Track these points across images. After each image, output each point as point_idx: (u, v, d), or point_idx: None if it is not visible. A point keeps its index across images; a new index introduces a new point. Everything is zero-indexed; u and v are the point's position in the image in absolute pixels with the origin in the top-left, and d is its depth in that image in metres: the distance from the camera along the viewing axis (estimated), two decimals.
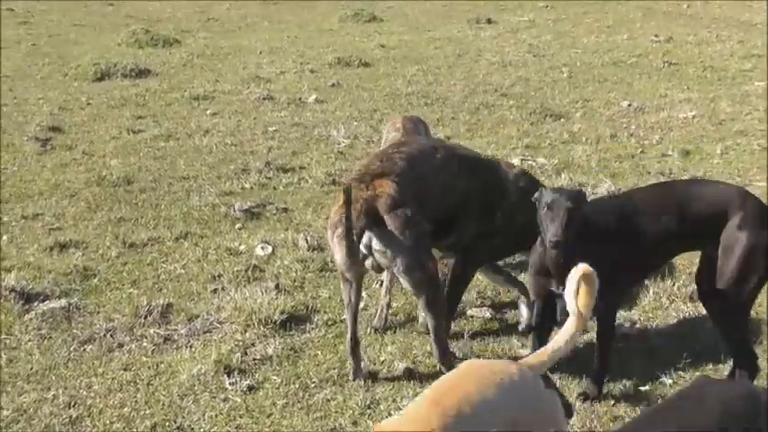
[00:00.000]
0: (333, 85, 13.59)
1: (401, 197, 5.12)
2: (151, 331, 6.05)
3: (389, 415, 5.06)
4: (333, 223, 5.20)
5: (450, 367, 4.89)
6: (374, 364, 5.66)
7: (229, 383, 5.43)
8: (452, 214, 5.54)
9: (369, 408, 5.19)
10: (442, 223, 5.49)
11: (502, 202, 5.61)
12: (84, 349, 5.86)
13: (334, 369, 5.60)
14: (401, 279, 5.27)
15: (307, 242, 7.41)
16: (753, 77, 14.10)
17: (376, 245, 5.08)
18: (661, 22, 19.58)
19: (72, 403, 5.25)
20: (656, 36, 17.83)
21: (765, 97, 12.79)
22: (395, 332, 6.09)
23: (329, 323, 6.20)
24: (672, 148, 10.20)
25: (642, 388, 5.40)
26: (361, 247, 5.08)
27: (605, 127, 11.21)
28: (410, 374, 5.52)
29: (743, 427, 3.44)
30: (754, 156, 9.77)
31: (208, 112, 11.99)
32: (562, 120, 11.58)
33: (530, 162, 9.43)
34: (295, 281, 6.83)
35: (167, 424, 5.06)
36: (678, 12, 21.59)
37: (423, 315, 5.72)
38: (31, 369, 5.62)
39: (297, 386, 5.43)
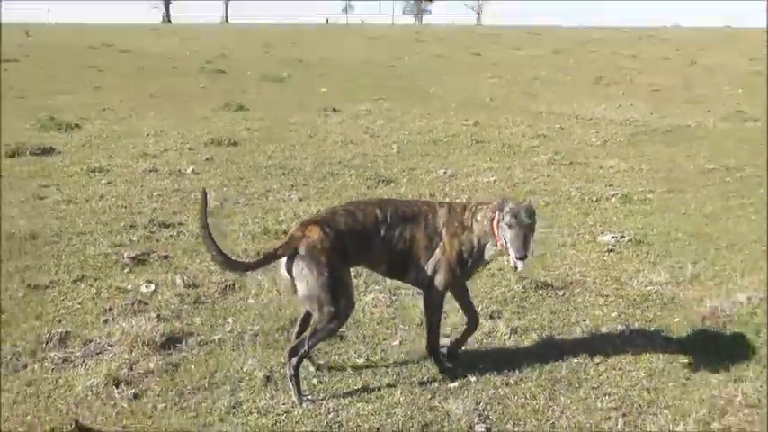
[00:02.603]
0: (207, 159, 13.56)
1: (323, 244, 5.12)
2: (51, 354, 5.91)
3: (250, 413, 5.13)
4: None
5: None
6: (237, 374, 5.68)
7: (117, 393, 5.37)
8: (404, 258, 5.47)
9: (233, 408, 5.23)
10: (396, 264, 5.51)
11: (442, 239, 5.47)
12: None
13: (205, 379, 5.61)
14: (302, 303, 5.33)
15: (183, 281, 7.39)
16: (539, 151, 14.74)
17: (291, 273, 5.14)
18: (470, 111, 20.26)
19: None
20: (466, 121, 18.46)
21: (548, 165, 13.40)
22: (254, 346, 6.14)
23: (201, 343, 6.19)
24: None
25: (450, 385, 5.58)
26: (283, 270, 5.16)
27: (426, 189, 11.54)
28: (267, 381, 5.58)
29: None
30: (540, 209, 10.18)
31: (102, 181, 11.79)
32: (392, 184, 11.86)
33: None
34: (173, 311, 6.80)
35: (64, 427, 4.97)
36: (483, 104, 22.41)
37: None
38: None
39: (174, 393, 5.41)
